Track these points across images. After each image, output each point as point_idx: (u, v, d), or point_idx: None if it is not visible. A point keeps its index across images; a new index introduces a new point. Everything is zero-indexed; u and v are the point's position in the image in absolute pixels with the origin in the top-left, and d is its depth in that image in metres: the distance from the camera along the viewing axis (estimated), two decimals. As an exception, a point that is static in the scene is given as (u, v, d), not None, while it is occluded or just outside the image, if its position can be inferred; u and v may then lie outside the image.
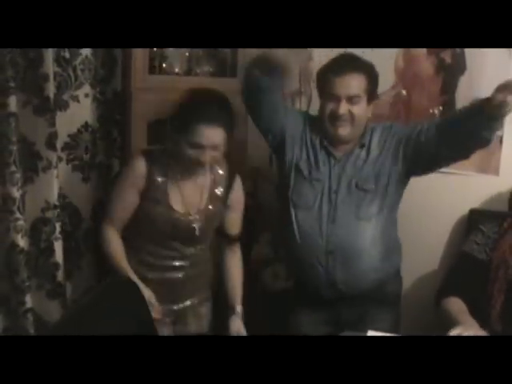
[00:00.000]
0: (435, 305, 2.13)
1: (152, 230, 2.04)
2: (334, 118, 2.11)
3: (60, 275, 2.13)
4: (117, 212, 2.05)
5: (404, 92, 2.57)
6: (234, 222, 2.19)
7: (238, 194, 2.16)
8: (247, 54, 2.54)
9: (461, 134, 1.97)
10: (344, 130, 2.12)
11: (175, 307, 2.12)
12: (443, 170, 2.47)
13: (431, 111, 2.51)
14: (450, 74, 2.49)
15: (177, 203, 2.03)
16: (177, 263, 2.08)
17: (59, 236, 2.13)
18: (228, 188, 2.12)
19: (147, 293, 1.91)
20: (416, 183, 2.51)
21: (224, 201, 2.12)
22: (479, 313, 2.01)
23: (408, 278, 2.57)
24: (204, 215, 2.06)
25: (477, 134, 1.92)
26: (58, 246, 2.12)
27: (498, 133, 2.40)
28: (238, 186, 2.15)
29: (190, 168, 2.01)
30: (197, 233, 2.04)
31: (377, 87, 2.18)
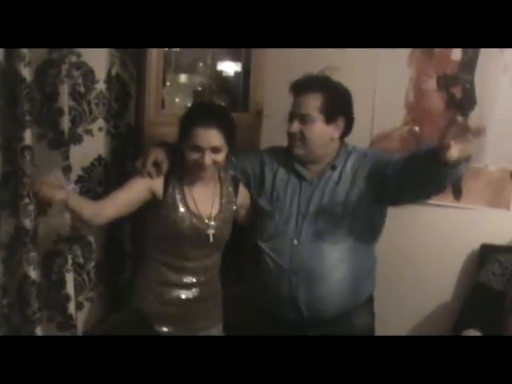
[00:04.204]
0: None
1: (171, 237, 2.06)
2: (288, 137, 2.15)
3: (71, 307, 2.14)
4: (117, 194, 2.04)
5: (417, 128, 2.57)
6: (245, 215, 2.26)
7: (243, 196, 2.22)
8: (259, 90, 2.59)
9: (416, 176, 1.94)
10: (298, 150, 2.14)
11: (186, 329, 2.12)
12: (454, 204, 2.48)
13: (442, 146, 2.49)
14: (460, 109, 2.50)
15: (193, 208, 2.08)
16: (191, 278, 2.10)
17: (71, 268, 2.14)
18: (234, 195, 2.18)
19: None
20: (426, 217, 2.52)
21: (232, 209, 2.17)
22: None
23: (420, 313, 2.57)
24: (217, 221, 2.10)
25: (429, 178, 1.89)
26: (70, 278, 2.14)
27: (509, 167, 2.41)
28: (242, 190, 2.22)
29: (198, 174, 2.05)
30: (211, 239, 2.07)
31: (336, 105, 2.13)
